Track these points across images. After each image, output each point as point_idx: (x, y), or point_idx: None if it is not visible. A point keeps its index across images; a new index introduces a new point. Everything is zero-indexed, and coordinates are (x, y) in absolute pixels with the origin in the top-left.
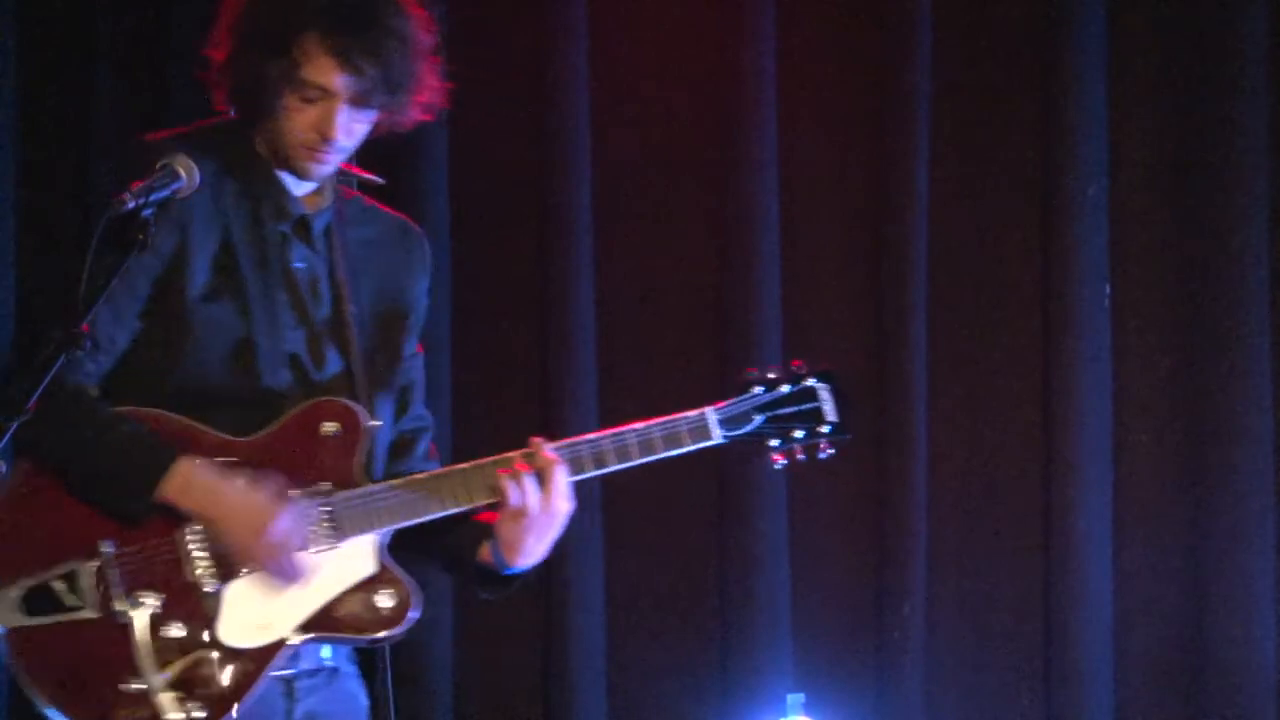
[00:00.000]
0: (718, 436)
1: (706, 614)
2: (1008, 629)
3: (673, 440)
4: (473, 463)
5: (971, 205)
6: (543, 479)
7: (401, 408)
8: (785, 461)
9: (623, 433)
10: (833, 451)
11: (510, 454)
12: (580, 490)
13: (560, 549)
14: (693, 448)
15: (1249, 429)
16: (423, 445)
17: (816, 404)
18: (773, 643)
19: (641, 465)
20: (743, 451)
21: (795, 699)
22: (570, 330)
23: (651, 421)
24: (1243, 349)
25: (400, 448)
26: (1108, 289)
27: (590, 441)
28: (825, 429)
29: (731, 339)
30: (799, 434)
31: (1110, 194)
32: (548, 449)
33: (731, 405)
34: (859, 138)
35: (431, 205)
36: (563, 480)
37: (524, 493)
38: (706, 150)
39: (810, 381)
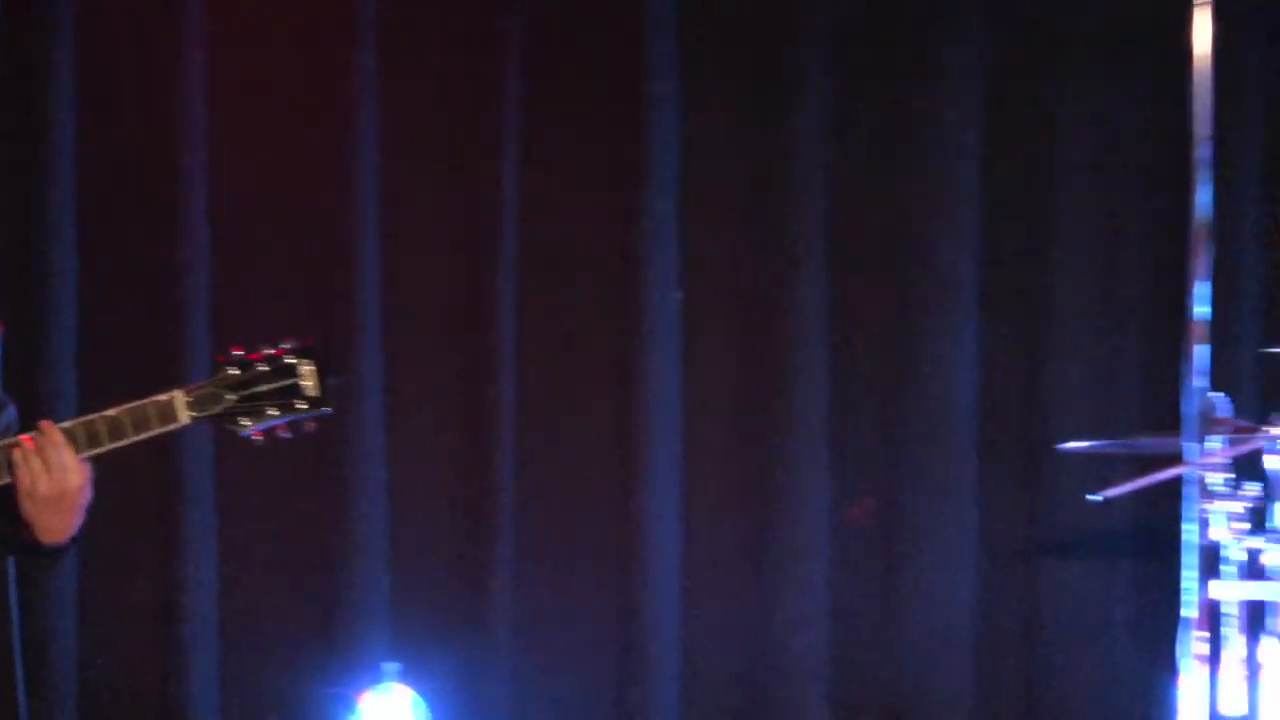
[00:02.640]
0: (185, 419)
1: (310, 587)
2: (589, 602)
3: (141, 423)
4: None
5: (559, 218)
6: (46, 456)
7: None
8: (262, 439)
9: (108, 414)
10: (313, 425)
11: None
12: (187, 470)
13: (172, 529)
14: (162, 430)
15: (805, 427)
16: None
17: (294, 380)
18: (371, 614)
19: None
20: (229, 430)
21: (391, 668)
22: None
23: (133, 404)
24: (799, 353)
25: None
26: (679, 296)
27: (87, 421)
28: (303, 404)
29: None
30: (274, 410)
31: (683, 210)
32: (52, 427)
33: (202, 386)
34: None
35: None
36: (64, 456)
37: (31, 471)
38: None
39: (288, 359)
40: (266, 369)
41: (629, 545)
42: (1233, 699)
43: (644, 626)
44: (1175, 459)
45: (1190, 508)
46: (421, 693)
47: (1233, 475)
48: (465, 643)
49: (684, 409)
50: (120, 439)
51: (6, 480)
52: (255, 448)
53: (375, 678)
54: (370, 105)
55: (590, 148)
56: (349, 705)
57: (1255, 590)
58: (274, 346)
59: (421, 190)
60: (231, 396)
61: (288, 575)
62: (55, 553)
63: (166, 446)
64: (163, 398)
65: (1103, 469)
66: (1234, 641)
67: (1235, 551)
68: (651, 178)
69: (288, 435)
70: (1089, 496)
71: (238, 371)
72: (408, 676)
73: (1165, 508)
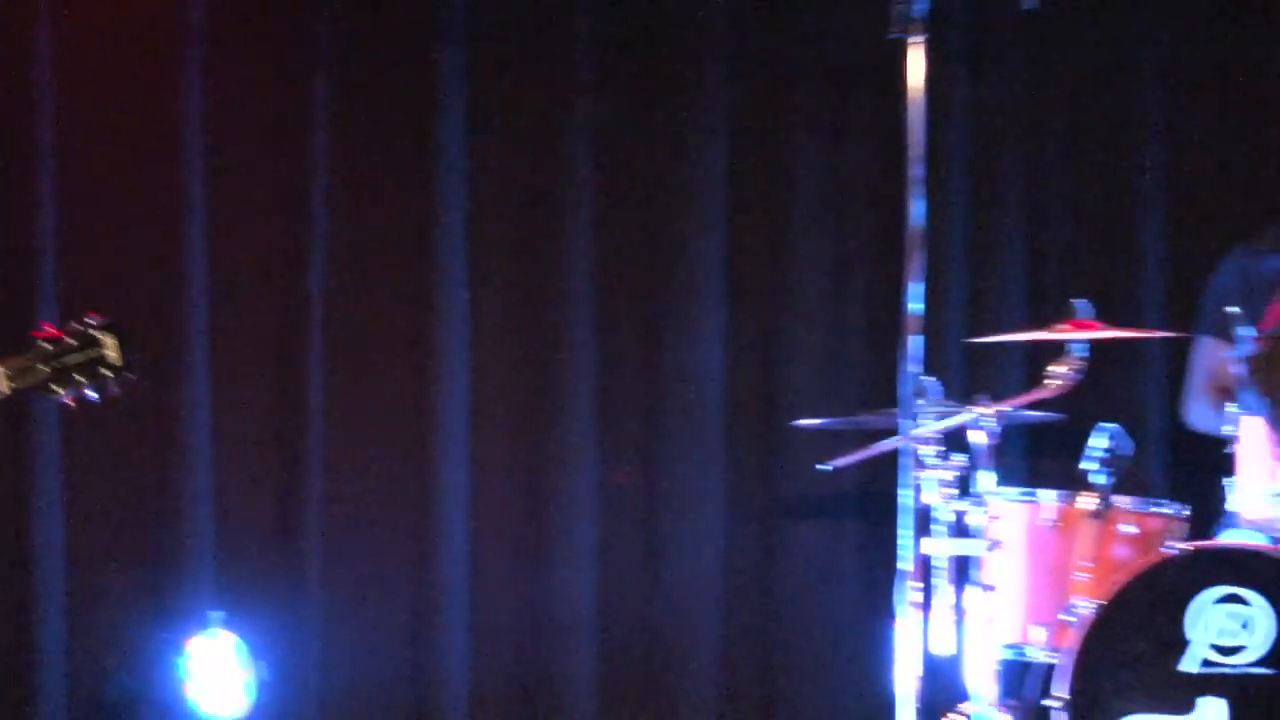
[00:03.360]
0: (5, 389)
1: (145, 544)
2: (389, 553)
3: None
4: None
5: (366, 220)
6: None
7: None
8: (74, 403)
9: None
10: (118, 389)
11: None
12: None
13: (21, 487)
14: None
15: (576, 404)
16: None
17: (100, 351)
18: (199, 568)
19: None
20: (46, 397)
21: (216, 615)
22: None
23: None
24: (571, 340)
25: None
26: (466, 295)
27: None
28: (108, 372)
29: None
30: (83, 378)
31: (471, 219)
32: None
33: (17, 359)
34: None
35: None
36: None
37: None
38: None
39: (93, 332)
40: (74, 342)
41: (424, 505)
42: (942, 640)
43: (436, 576)
44: (892, 433)
45: (906, 475)
46: (243, 636)
47: (942, 447)
48: (281, 592)
49: (471, 387)
50: None
51: None
52: (98, 417)
53: (202, 624)
54: (196, 99)
55: (390, 159)
56: (179, 649)
57: (961, 546)
58: (80, 323)
59: (243, 202)
60: (44, 368)
61: (127, 534)
62: None
63: (15, 420)
64: None
65: (831, 442)
66: (943, 590)
67: (944, 513)
68: (442, 190)
69: (94, 398)
70: (819, 466)
71: (49, 346)
72: (231, 623)
73: (884, 475)
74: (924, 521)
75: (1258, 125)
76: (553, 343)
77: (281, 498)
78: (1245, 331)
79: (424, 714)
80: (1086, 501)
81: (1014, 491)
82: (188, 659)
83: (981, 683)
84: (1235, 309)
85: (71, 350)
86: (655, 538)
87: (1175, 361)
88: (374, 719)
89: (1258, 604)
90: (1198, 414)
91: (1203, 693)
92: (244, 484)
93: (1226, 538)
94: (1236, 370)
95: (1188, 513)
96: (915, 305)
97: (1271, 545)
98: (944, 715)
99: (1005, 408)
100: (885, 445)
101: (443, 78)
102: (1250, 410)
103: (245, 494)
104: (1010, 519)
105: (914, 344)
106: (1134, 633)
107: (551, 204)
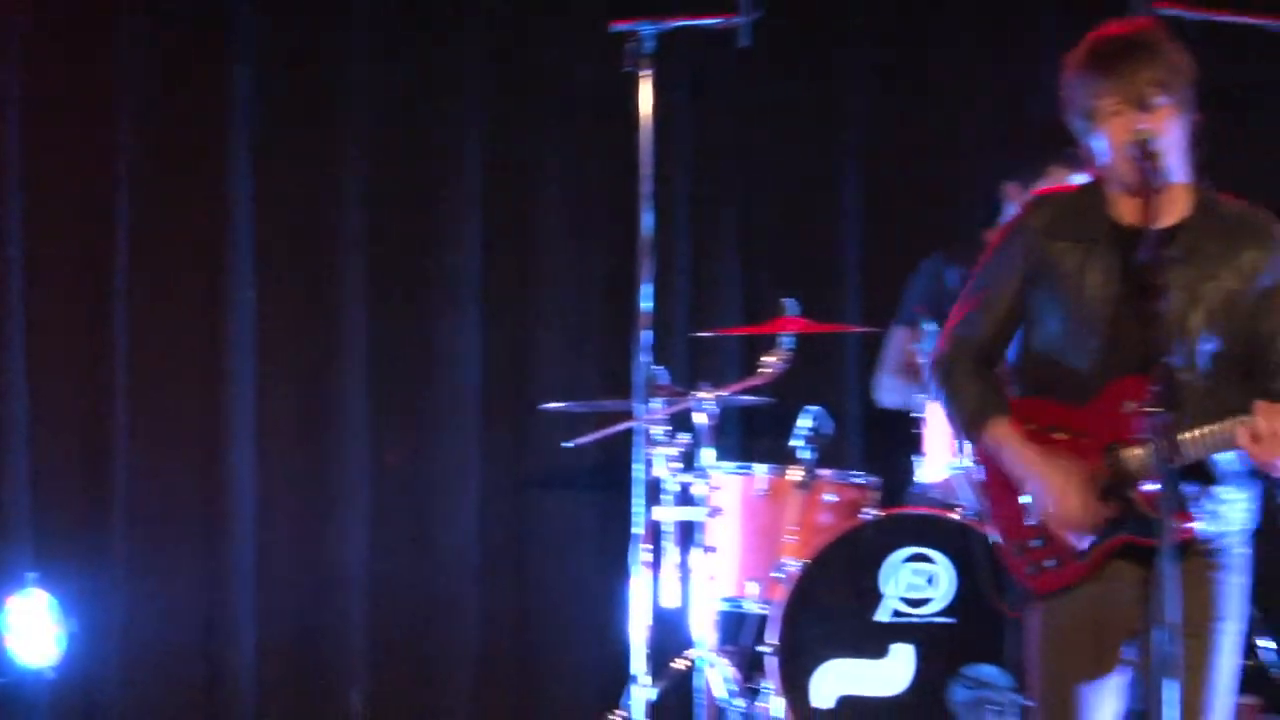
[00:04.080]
0: None
1: None
2: (186, 522)
3: None
4: None
5: (165, 234)
6: None
7: None
8: None
9: None
10: None
11: None
12: None
13: None
14: None
15: (351, 390)
16: None
17: None
18: (16, 533)
19: None
20: None
21: (31, 576)
22: None
23: None
24: (346, 332)
25: None
26: (253, 295)
27: None
28: None
29: None
30: None
31: (256, 224)
32: None
33: None
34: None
35: None
36: None
37: None
38: None
39: None
40: None
41: (216, 482)
42: (670, 595)
43: (227, 542)
44: (627, 415)
45: (639, 452)
46: (55, 595)
47: (669, 427)
48: (89, 557)
49: (258, 376)
50: None
51: None
52: None
53: (20, 584)
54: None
55: (185, 173)
56: None
57: (686, 513)
58: None
59: (52, 209)
60: None
61: None
62: None
63: None
64: None
65: (574, 423)
66: (671, 552)
67: (671, 484)
68: (231, 200)
69: None
70: (564, 444)
71: None
72: (45, 583)
73: (620, 452)
74: (654, 492)
75: (941, 147)
76: (330, 336)
77: (91, 473)
78: (930, 327)
79: (215, 661)
80: (794, 474)
81: (731, 465)
82: (6, 615)
83: (704, 632)
84: (923, 307)
85: None
86: (421, 508)
87: (869, 352)
88: (170, 667)
89: (940, 562)
90: (885, 391)
91: (894, 640)
92: (57, 461)
93: (914, 505)
94: (922, 360)
95: (880, 483)
96: (646, 303)
97: (951, 511)
98: (672, 660)
99: (724, 393)
100: (621, 426)
101: (232, 99)
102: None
103: (59, 470)
104: (728, 489)
105: (645, 337)
106: (835, 588)
107: (329, 214)
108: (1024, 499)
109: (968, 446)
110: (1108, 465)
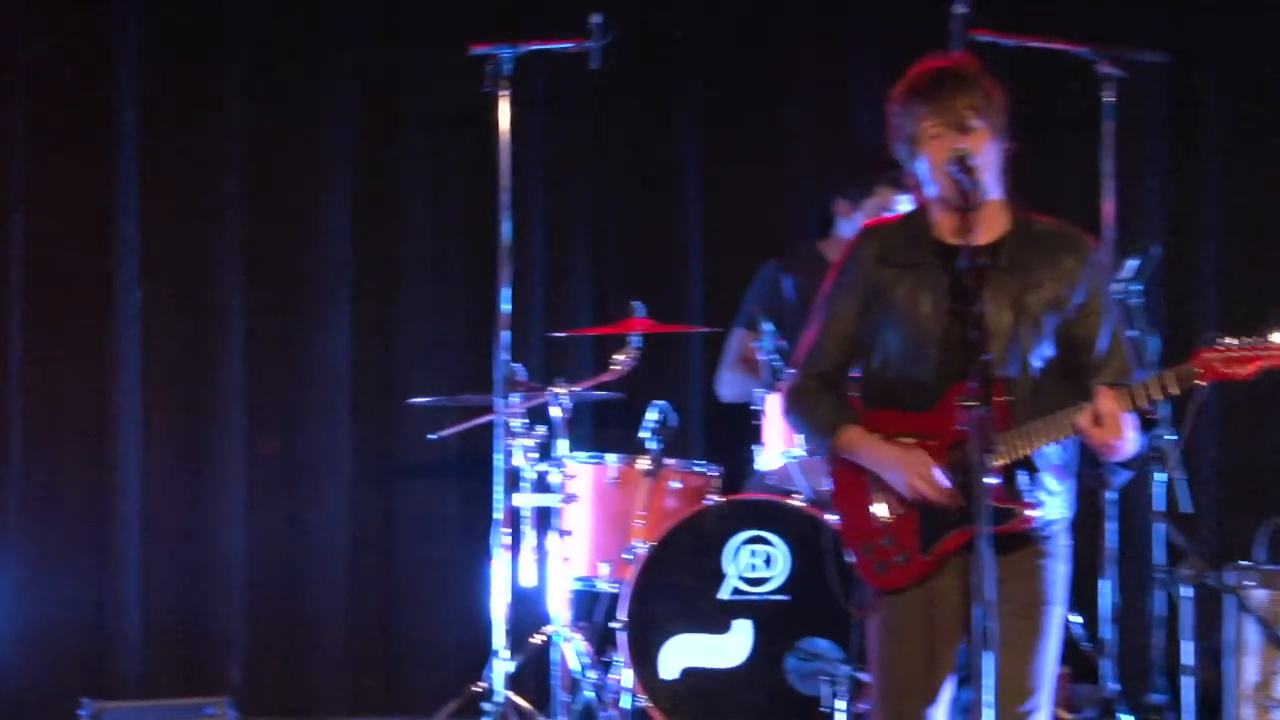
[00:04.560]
0: None
1: None
2: (76, 511)
3: None
4: None
5: (58, 230)
6: None
7: None
8: None
9: None
10: None
11: None
12: None
13: None
14: None
15: (228, 380)
16: None
17: None
18: None
19: None
20: None
21: None
22: None
23: None
24: (224, 328)
25: None
26: (139, 294)
27: None
28: None
29: None
30: None
31: (142, 227)
32: None
33: None
34: None
35: None
36: None
37: None
38: None
39: None
40: None
41: (104, 473)
42: (528, 576)
43: (114, 529)
44: (488, 409)
45: (499, 443)
46: None
47: (527, 420)
48: None
49: (142, 371)
50: None
51: None
52: None
53: None
54: None
55: (75, 177)
56: None
57: (543, 500)
58: None
59: None
60: None
61: None
62: None
63: None
64: None
65: (438, 415)
66: (529, 535)
67: (529, 473)
68: (119, 205)
69: None
70: (429, 436)
71: None
72: None
73: (481, 443)
74: (513, 480)
75: (776, 163)
76: (209, 334)
77: None
78: (767, 327)
79: (103, 637)
80: (642, 463)
81: (584, 455)
82: None
83: (559, 609)
84: (759, 311)
85: None
86: (294, 495)
87: (711, 351)
88: (59, 644)
89: (778, 544)
90: (727, 386)
91: (735, 616)
92: None
93: (753, 491)
94: (761, 357)
95: (721, 471)
96: (505, 305)
97: (788, 497)
98: (530, 636)
99: (577, 388)
100: (482, 419)
101: (119, 103)
102: (771, 390)
103: None
104: (582, 477)
105: (504, 337)
106: (680, 568)
107: (209, 216)
108: (878, 507)
109: (800, 437)
110: (952, 463)
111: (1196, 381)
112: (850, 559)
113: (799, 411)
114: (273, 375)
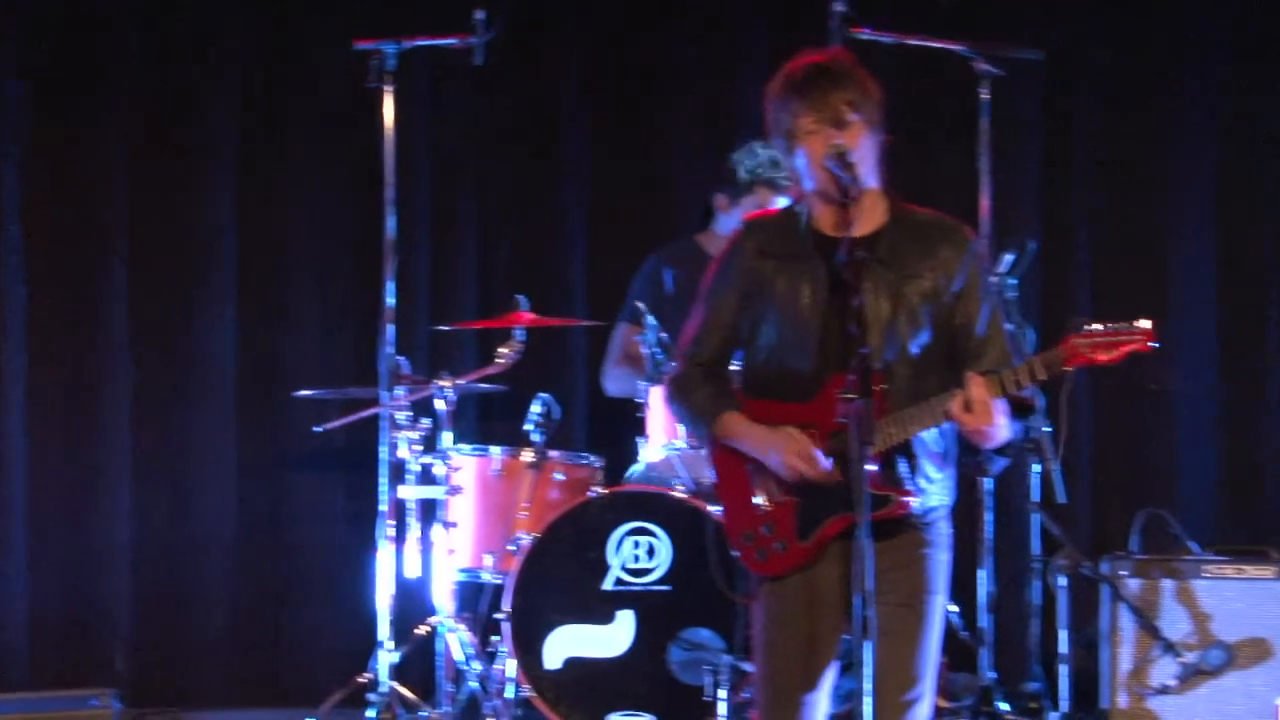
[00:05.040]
0: None
1: None
2: None
3: None
4: None
5: None
6: None
7: None
8: None
9: None
10: None
11: None
12: None
13: None
14: None
15: (114, 375)
16: None
17: None
18: None
19: None
20: None
21: None
22: None
23: None
24: (108, 326)
25: None
26: (25, 291)
27: None
28: None
29: None
30: None
31: (25, 227)
32: None
33: None
34: None
35: None
36: None
37: None
38: None
39: None
40: None
41: None
42: (413, 567)
43: (2, 521)
44: (374, 402)
45: (384, 435)
46: None
47: (412, 413)
48: None
49: (29, 368)
50: None
51: None
52: None
53: None
54: None
55: None
56: None
57: (427, 492)
58: None
59: None
60: None
61: None
62: None
63: None
64: None
65: (325, 408)
66: (414, 527)
67: (414, 465)
68: (3, 207)
69: None
70: (315, 429)
71: None
72: None
73: (368, 435)
74: (398, 472)
75: (657, 158)
76: (94, 327)
77: None
78: (650, 321)
79: None
80: (526, 455)
81: (469, 448)
82: None
83: (444, 600)
84: (642, 304)
85: None
86: (181, 487)
87: (594, 344)
88: None
89: (660, 535)
90: (612, 380)
91: (619, 607)
92: None
93: (636, 483)
94: (644, 351)
95: (604, 463)
96: (390, 299)
97: (671, 489)
98: (415, 627)
99: (462, 381)
100: (368, 411)
101: (3, 103)
102: (653, 383)
103: None
104: (466, 469)
105: (389, 330)
106: (564, 559)
107: (94, 213)
108: (757, 495)
109: (683, 429)
110: (832, 450)
111: (1065, 367)
112: (733, 548)
113: (681, 399)
114: (158, 368)
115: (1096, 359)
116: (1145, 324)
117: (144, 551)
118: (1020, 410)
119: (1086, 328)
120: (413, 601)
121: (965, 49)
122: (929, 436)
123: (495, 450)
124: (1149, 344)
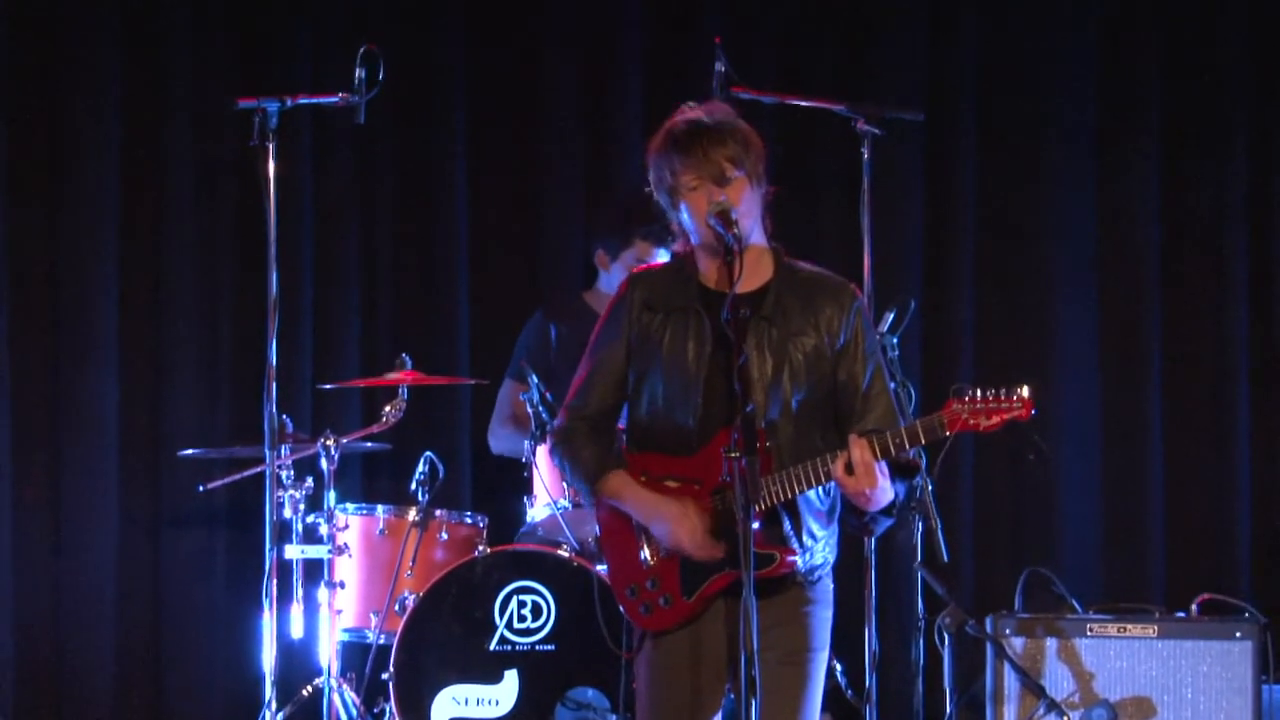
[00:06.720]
0: None
1: None
2: None
3: None
4: None
5: None
6: None
7: None
8: None
9: None
10: None
11: None
12: None
13: None
14: None
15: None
16: None
17: None
18: None
19: None
20: None
21: None
22: None
23: None
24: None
25: None
26: None
27: None
28: None
29: None
30: None
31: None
32: None
33: None
34: None
35: None
36: None
37: None
38: None
39: None
40: None
41: None
42: (298, 627)
43: None
44: (258, 460)
45: (268, 494)
46: None
47: (294, 472)
48: None
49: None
50: None
51: None
52: None
53: None
54: None
55: None
56: None
57: (312, 551)
58: None
59: None
60: None
61: None
62: None
63: None
64: None
65: (208, 467)
66: (298, 587)
67: (299, 524)
68: None
69: None
70: (199, 487)
71: None
72: None
73: (252, 493)
74: (282, 531)
75: (540, 214)
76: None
77: None
78: (533, 379)
79: None
80: (411, 514)
81: (354, 506)
82: None
83: (329, 660)
84: (526, 363)
85: None
86: (61, 543)
87: (479, 401)
88: None
89: (545, 595)
90: (499, 440)
91: (505, 666)
92: None
93: (521, 542)
94: (528, 409)
95: (489, 522)
96: (273, 358)
97: (556, 548)
98: (300, 688)
99: (346, 440)
100: (251, 470)
101: None
102: (538, 441)
103: None
104: (351, 528)
105: (272, 389)
106: (449, 618)
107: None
108: (642, 551)
109: (569, 488)
110: (716, 507)
111: (945, 432)
112: (618, 602)
113: (565, 454)
114: (38, 424)
115: (976, 426)
116: (1025, 392)
117: (23, 610)
118: (903, 471)
119: (968, 394)
120: (297, 662)
121: (845, 109)
122: (813, 494)
123: (380, 509)
124: (1029, 413)
